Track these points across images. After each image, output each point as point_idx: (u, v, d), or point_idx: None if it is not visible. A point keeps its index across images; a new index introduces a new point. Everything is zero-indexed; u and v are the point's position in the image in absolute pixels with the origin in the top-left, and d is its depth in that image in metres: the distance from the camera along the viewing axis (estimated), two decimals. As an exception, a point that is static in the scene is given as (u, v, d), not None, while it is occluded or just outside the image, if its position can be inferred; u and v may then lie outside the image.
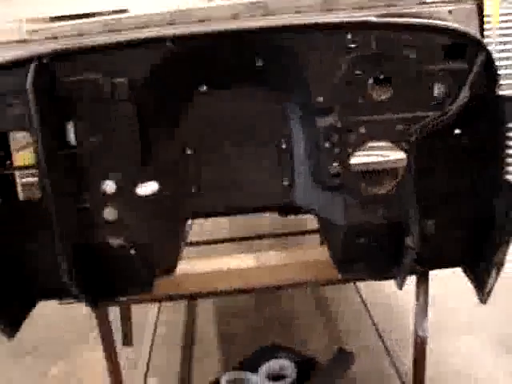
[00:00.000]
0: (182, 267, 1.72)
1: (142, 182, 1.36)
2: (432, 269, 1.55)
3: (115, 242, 1.36)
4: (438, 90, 1.31)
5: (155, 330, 2.59)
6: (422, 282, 1.76)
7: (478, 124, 1.32)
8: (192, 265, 1.74)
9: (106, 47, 1.26)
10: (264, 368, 1.65)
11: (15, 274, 1.43)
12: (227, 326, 2.86)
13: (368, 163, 1.32)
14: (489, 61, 1.27)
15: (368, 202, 1.35)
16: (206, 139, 1.44)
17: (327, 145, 1.32)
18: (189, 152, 1.44)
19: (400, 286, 1.48)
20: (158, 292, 1.63)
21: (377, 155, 1.32)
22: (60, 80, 1.27)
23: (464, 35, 1.27)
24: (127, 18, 1.48)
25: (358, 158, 1.33)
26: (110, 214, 1.34)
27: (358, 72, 1.29)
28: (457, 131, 1.32)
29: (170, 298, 1.72)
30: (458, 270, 1.59)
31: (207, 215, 1.60)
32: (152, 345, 2.47)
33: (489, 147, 1.31)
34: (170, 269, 1.62)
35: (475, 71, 1.27)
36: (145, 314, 2.76)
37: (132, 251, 1.40)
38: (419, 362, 1.88)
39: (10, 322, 1.45)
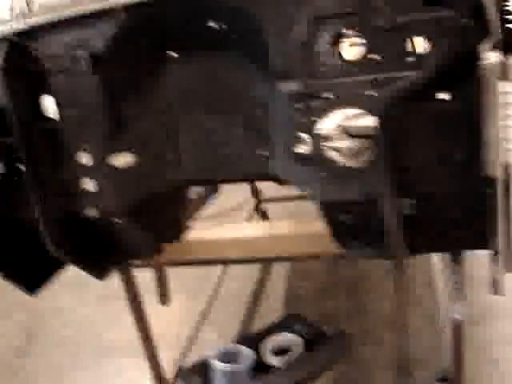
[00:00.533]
0: (194, 234, 1.72)
1: (117, 152, 1.36)
2: (426, 252, 1.35)
3: (93, 212, 1.38)
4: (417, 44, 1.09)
5: (219, 285, 2.66)
6: (456, 261, 1.55)
7: (464, 87, 1.07)
8: (203, 232, 1.73)
9: (63, 22, 1.25)
10: (269, 341, 1.60)
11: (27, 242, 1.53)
12: (297, 287, 2.83)
13: (340, 130, 1.17)
14: (478, 8, 1.02)
15: (343, 176, 1.20)
16: (180, 107, 1.37)
17: (291, 112, 1.19)
18: (164, 120, 1.39)
19: (395, 268, 1.32)
20: (164, 257, 1.65)
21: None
22: (30, 56, 1.30)
23: None
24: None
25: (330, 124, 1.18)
26: (87, 184, 1.37)
27: (320, 28, 1.12)
28: (438, 95, 1.09)
29: (175, 264, 1.74)
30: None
31: (189, 184, 1.55)
32: (212, 299, 2.55)
33: (477, 115, 1.07)
34: (175, 235, 1.63)
35: (459, 21, 1.03)
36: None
37: (116, 220, 1.42)
38: (456, 348, 1.69)
39: (26, 285, 1.57)
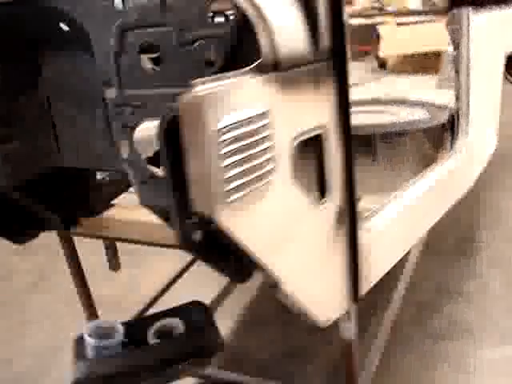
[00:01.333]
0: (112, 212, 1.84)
1: (3, 138, 1.50)
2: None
3: None
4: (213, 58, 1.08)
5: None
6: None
7: None
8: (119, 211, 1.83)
9: None
10: (156, 325, 1.69)
11: None
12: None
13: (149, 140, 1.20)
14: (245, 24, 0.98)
15: (156, 184, 1.23)
16: (54, 101, 1.48)
17: (113, 119, 1.24)
18: (44, 113, 1.50)
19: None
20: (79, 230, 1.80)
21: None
22: None
23: None
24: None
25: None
26: None
27: (127, 40, 1.15)
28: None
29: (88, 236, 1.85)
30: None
31: (72, 170, 1.63)
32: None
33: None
34: (89, 212, 1.76)
35: (226, 39, 1.02)
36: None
37: (15, 195, 1.57)
38: (348, 368, 1.66)
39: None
